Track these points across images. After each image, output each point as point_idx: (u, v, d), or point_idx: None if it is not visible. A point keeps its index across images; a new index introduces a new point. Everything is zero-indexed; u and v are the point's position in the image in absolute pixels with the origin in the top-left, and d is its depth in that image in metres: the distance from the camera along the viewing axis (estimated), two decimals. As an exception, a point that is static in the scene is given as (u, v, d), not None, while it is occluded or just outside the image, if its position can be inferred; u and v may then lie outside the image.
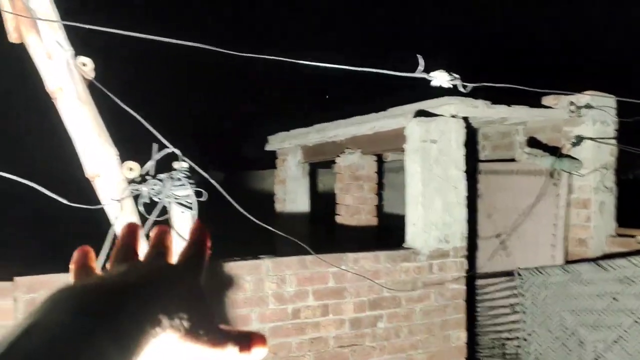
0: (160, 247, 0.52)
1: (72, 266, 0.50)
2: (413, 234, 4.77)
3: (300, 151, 7.65)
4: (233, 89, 11.43)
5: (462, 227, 4.83)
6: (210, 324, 0.45)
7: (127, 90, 2.54)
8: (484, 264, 5.59)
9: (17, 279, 3.17)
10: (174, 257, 0.51)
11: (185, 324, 0.42)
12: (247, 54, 2.53)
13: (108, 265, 0.50)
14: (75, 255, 0.51)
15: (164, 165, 2.60)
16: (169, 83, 11.02)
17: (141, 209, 2.40)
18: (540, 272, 4.94)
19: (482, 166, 6.26)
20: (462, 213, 4.84)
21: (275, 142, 7.96)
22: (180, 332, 0.41)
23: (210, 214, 2.66)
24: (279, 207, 8.02)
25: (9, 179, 2.28)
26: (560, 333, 4.89)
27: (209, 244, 0.53)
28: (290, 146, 7.67)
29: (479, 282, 5.40)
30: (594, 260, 4.75)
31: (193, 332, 0.42)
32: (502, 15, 10.90)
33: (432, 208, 4.71)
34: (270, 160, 8.39)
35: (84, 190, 2.50)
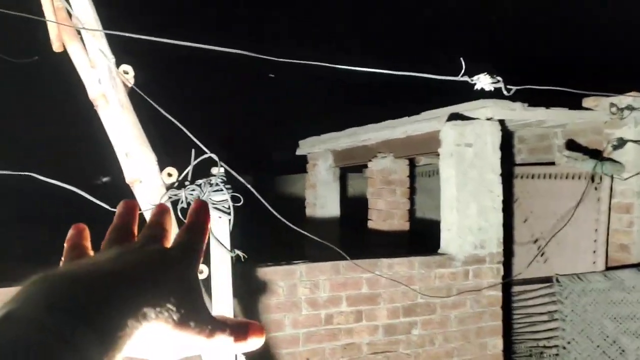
0: (157, 228, 0.49)
1: (65, 244, 0.48)
2: (447, 240, 4.70)
3: (331, 155, 7.63)
4: (264, 93, 11.51)
5: (498, 233, 4.74)
6: (202, 314, 0.43)
7: (158, 95, 2.56)
8: (521, 271, 5.47)
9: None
10: (171, 240, 0.49)
11: (175, 315, 0.40)
12: (280, 59, 2.52)
13: (102, 245, 0.48)
14: (70, 233, 0.49)
15: (201, 171, 2.61)
16: (199, 87, 11.15)
17: (179, 214, 2.41)
18: (581, 279, 4.80)
19: (518, 170, 6.14)
20: (498, 218, 4.74)
21: (306, 147, 7.97)
22: (169, 323, 0.40)
23: (240, 219, 2.66)
24: (309, 211, 8.01)
25: (52, 183, 2.31)
26: (601, 341, 4.75)
27: (209, 225, 0.51)
28: (320, 150, 7.66)
29: (516, 288, 5.28)
30: (637, 266, 4.60)
31: (183, 323, 0.41)
32: (540, 14, 10.72)
33: (467, 213, 4.64)
34: (300, 165, 8.40)
35: (123, 195, 2.52)
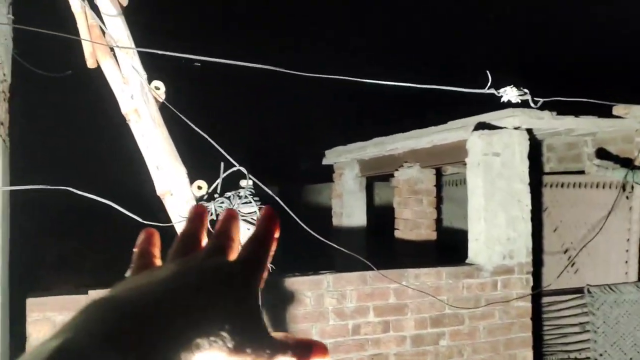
0: (223, 237, 0.47)
1: (135, 249, 0.48)
2: (475, 250, 4.66)
3: (358, 165, 7.65)
4: (290, 103, 11.60)
5: (527, 243, 4.69)
6: (259, 338, 0.41)
7: (186, 107, 2.63)
8: (551, 281, 5.39)
9: (91, 292, 3.29)
10: (237, 249, 0.47)
11: (229, 343, 0.38)
12: (310, 74, 2.56)
13: (170, 253, 0.47)
14: (140, 238, 0.50)
15: (230, 183, 2.65)
16: (226, 97, 11.29)
17: (209, 226, 2.46)
18: (613, 290, 4.71)
19: (547, 179, 6.06)
20: (527, 228, 4.69)
21: (332, 156, 8.00)
22: (223, 351, 0.38)
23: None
24: (336, 221, 8.02)
25: (85, 196, 2.39)
26: (635, 354, 4.65)
27: (276, 235, 0.48)
28: (347, 160, 7.68)
29: (546, 299, 5.20)
30: (671, 277, 4.49)
31: (239, 350, 0.39)
32: (568, 21, 10.58)
33: (495, 223, 4.59)
34: (327, 174, 8.42)
35: (153, 207, 2.59)
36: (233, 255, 0.46)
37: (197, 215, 0.51)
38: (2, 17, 3.67)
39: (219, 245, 0.46)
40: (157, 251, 0.49)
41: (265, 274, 0.45)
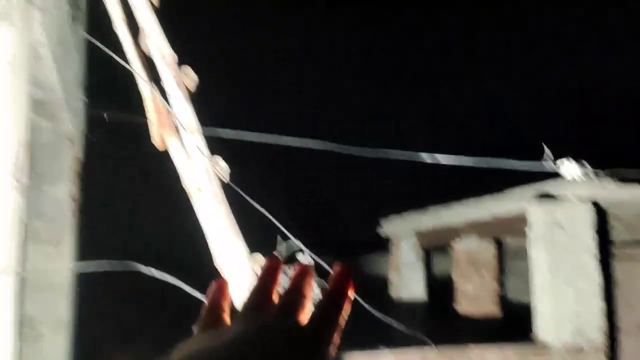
0: (295, 295, 0.45)
1: (206, 300, 0.48)
2: (542, 326, 4.43)
3: (415, 235, 7.54)
4: (345, 173, 11.73)
5: (598, 319, 4.42)
6: None
7: (245, 182, 2.71)
8: (627, 361, 5.00)
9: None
10: (310, 307, 0.45)
11: None
12: (370, 155, 2.61)
13: (242, 307, 0.46)
14: (212, 289, 0.49)
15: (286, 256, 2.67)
16: (282, 170, 11.54)
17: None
18: (699, 373, 4.32)
19: (617, 251, 5.76)
20: (598, 303, 4.44)
21: (389, 226, 7.94)
22: None
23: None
24: (393, 292, 7.85)
25: (150, 274, 2.46)
26: None
27: (349, 294, 0.45)
28: (403, 230, 7.60)
29: (623, 381, 4.81)
30: None
31: None
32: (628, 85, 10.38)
33: (562, 298, 4.38)
34: (383, 245, 8.34)
35: (211, 279, 2.62)
36: (304, 314, 0.44)
37: (270, 270, 0.50)
38: (77, 102, 3.96)
39: (290, 303, 0.45)
40: (227, 305, 0.48)
41: (334, 337, 0.43)
